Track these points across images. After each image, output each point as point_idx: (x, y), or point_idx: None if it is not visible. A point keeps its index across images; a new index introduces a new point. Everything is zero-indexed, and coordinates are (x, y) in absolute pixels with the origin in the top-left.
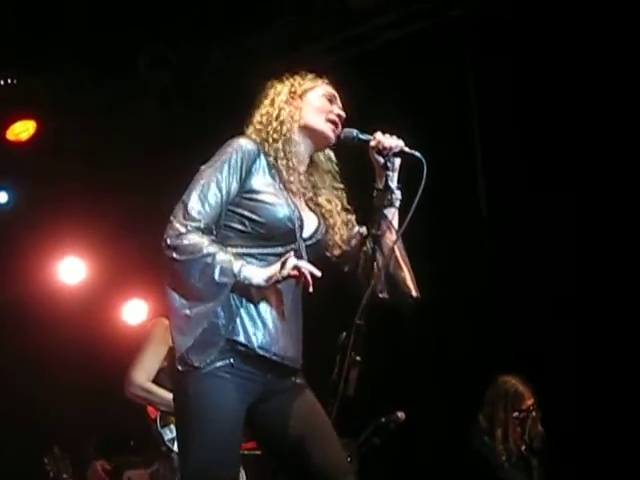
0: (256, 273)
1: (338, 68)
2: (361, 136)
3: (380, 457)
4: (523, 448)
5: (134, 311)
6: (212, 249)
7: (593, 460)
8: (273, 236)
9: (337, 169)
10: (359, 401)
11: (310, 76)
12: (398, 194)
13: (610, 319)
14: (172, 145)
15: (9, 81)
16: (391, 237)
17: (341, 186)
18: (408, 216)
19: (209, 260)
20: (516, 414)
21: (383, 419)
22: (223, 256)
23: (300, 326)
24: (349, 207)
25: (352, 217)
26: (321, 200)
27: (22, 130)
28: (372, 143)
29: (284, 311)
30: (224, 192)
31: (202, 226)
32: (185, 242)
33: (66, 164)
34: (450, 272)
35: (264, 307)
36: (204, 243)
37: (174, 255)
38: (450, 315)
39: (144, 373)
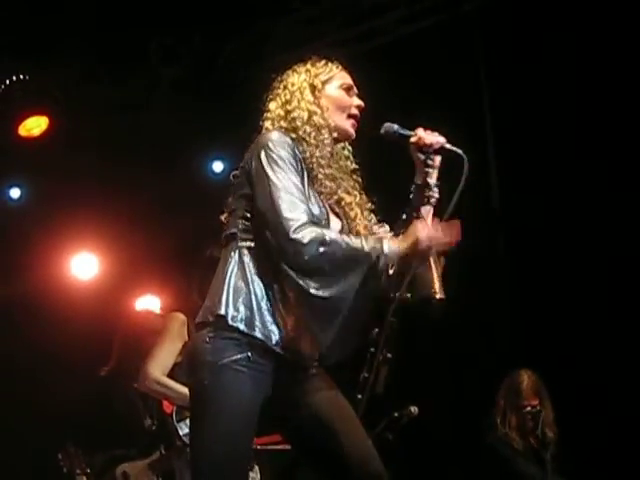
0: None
1: (349, 62)
2: (402, 131)
3: (393, 452)
4: (535, 442)
5: (147, 306)
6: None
7: (606, 455)
8: None
9: (352, 156)
10: (372, 396)
11: (323, 63)
12: (436, 192)
13: (626, 315)
14: (185, 140)
15: (21, 77)
16: None
17: (358, 177)
18: (447, 213)
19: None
20: (528, 409)
21: (396, 414)
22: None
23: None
24: (368, 196)
25: (369, 204)
26: (340, 192)
27: (34, 126)
28: (413, 139)
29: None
30: (302, 191)
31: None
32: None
33: (78, 160)
34: (463, 268)
35: (285, 302)
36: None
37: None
38: (464, 310)
39: (160, 367)
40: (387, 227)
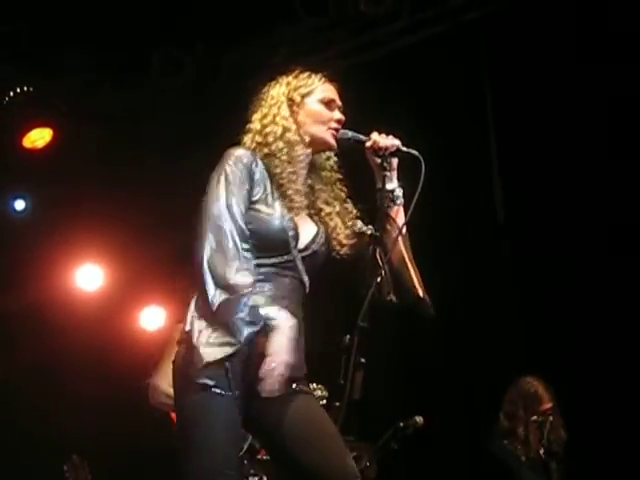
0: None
1: (352, 73)
2: (357, 137)
3: (398, 462)
4: (542, 452)
5: (152, 317)
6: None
7: (612, 465)
8: (267, 247)
9: (336, 166)
10: (377, 405)
11: (305, 75)
12: (399, 192)
13: (631, 323)
14: (189, 150)
15: (25, 88)
16: (393, 235)
17: (342, 187)
18: (408, 214)
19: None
20: (534, 417)
21: (401, 423)
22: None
23: (302, 333)
24: (350, 204)
25: (353, 212)
26: (319, 203)
27: (38, 138)
28: (368, 144)
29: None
30: (240, 212)
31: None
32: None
33: (82, 171)
34: (467, 276)
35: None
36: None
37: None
38: (468, 319)
39: (167, 380)
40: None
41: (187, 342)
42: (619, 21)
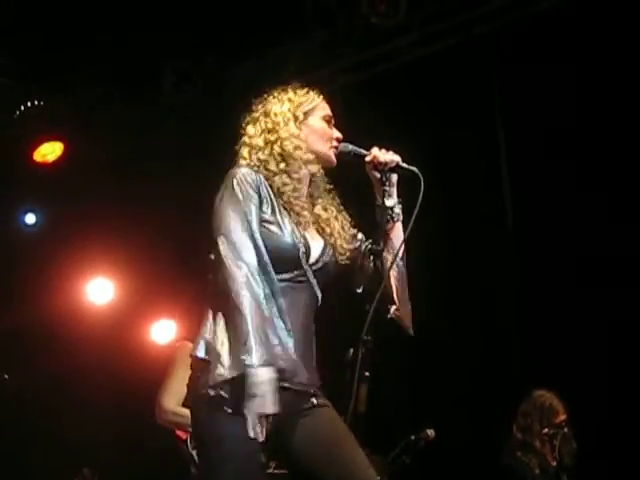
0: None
1: (362, 86)
2: (357, 151)
3: (410, 475)
4: (554, 464)
5: (162, 331)
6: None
7: (623, 476)
8: (279, 263)
9: (325, 178)
10: (388, 419)
11: (304, 92)
12: (398, 209)
13: None
14: (200, 164)
15: (36, 102)
16: (388, 257)
17: (334, 196)
18: (406, 233)
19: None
20: (546, 430)
21: (413, 437)
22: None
23: (314, 347)
24: (345, 213)
25: (349, 220)
26: (318, 210)
27: (49, 152)
28: (368, 158)
29: (297, 332)
30: (252, 232)
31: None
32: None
33: (93, 185)
34: (477, 285)
35: (275, 328)
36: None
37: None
38: (479, 331)
39: (173, 398)
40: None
41: (203, 367)
42: (629, 30)
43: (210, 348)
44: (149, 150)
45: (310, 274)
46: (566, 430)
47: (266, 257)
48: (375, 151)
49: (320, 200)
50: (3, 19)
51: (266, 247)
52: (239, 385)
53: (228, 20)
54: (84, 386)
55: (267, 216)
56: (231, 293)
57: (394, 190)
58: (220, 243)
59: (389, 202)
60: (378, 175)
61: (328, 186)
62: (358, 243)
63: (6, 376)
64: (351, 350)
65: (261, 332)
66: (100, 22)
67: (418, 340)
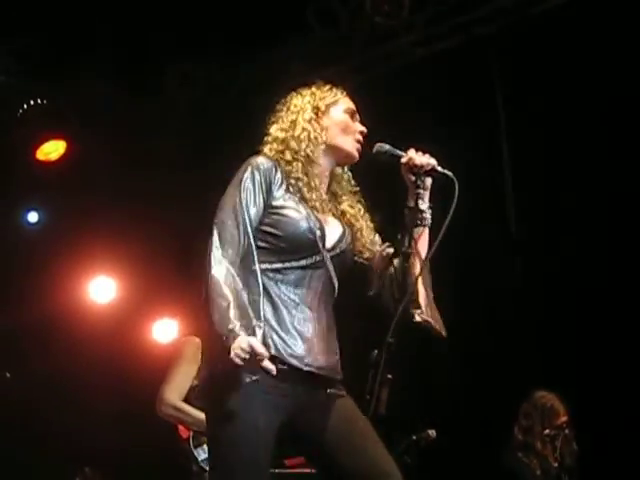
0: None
1: (365, 86)
2: (393, 152)
3: (411, 476)
4: (555, 465)
5: (164, 330)
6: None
7: (625, 477)
8: (296, 249)
9: (352, 180)
10: (390, 419)
11: (328, 87)
12: (429, 214)
13: None
14: (203, 163)
15: (39, 101)
16: (415, 261)
17: (361, 198)
18: (438, 239)
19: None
20: (547, 431)
21: (414, 437)
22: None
23: (334, 336)
24: (368, 215)
25: (373, 224)
26: (344, 207)
27: (52, 150)
28: (403, 160)
29: (315, 320)
30: (248, 218)
31: (231, 257)
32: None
33: (96, 183)
34: (480, 290)
35: (294, 317)
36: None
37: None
38: (480, 332)
39: (176, 392)
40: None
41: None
42: (631, 31)
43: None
44: (152, 149)
45: (328, 260)
46: (567, 431)
47: (254, 248)
48: (412, 153)
49: (345, 198)
50: (6, 18)
51: (282, 233)
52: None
53: (231, 21)
54: (86, 385)
55: (281, 201)
56: (207, 288)
57: (427, 194)
58: (212, 235)
59: (422, 205)
60: (413, 178)
61: (354, 188)
62: (377, 247)
63: (8, 374)
64: (375, 351)
65: (238, 311)
66: (103, 21)
67: (418, 341)
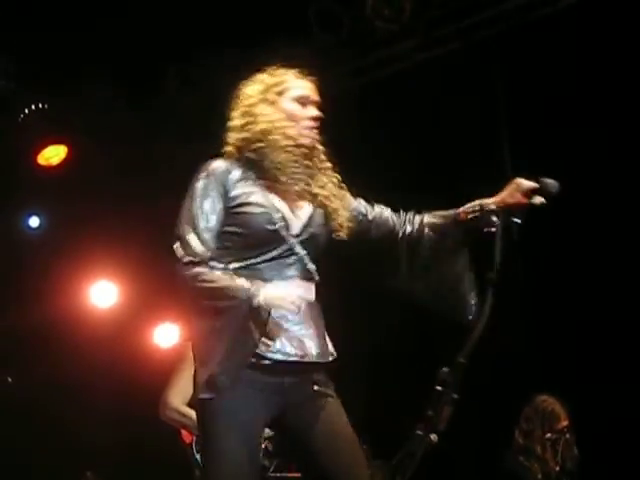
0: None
1: (366, 90)
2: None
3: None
4: (556, 469)
5: (166, 334)
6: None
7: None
8: (261, 243)
9: (325, 155)
10: (391, 424)
11: (280, 72)
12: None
13: None
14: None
15: (40, 106)
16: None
17: (334, 173)
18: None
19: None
20: (548, 435)
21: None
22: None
23: (321, 319)
24: (342, 185)
25: (346, 194)
26: (315, 189)
27: (53, 155)
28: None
29: (299, 308)
30: (206, 226)
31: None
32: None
33: (97, 188)
34: (481, 293)
35: (276, 309)
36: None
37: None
38: (480, 334)
39: (179, 396)
40: (382, 208)
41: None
42: (633, 35)
43: None
44: (153, 153)
45: (297, 246)
46: (568, 436)
47: (221, 252)
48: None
49: (317, 178)
50: (6, 22)
51: (243, 231)
52: None
53: (231, 24)
54: (87, 389)
55: (240, 199)
56: (191, 290)
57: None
58: (175, 251)
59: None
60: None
61: (327, 165)
62: (360, 217)
63: (9, 379)
64: (444, 369)
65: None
66: (104, 25)
67: (418, 342)
